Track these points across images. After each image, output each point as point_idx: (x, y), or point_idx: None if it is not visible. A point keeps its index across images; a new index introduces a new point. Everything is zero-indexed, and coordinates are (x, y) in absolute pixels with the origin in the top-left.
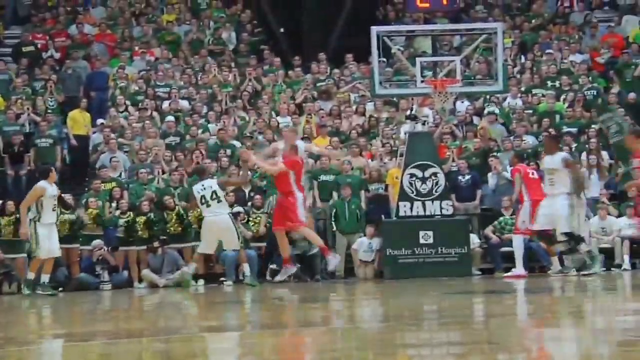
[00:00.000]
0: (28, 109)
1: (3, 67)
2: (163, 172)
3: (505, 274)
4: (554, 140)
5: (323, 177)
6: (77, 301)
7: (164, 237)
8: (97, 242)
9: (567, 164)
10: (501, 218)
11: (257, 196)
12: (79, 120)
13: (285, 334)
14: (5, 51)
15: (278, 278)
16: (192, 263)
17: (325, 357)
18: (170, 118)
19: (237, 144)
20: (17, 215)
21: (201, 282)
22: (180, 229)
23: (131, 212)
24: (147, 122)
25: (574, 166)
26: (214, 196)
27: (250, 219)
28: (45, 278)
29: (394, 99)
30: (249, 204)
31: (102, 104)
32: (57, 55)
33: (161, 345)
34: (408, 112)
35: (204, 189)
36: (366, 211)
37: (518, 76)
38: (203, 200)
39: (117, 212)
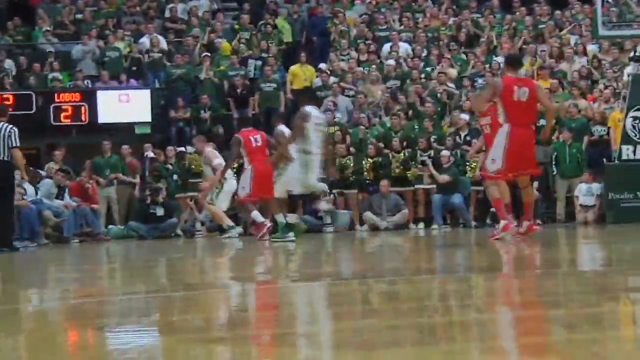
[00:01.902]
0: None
1: (227, 13)
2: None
3: None
4: (305, 96)
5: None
6: (300, 243)
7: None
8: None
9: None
10: None
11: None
12: (299, 75)
13: (506, 277)
14: None
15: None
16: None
17: (548, 300)
18: (391, 62)
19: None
20: None
21: (421, 225)
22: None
23: (351, 156)
24: (369, 66)
25: (300, 121)
26: None
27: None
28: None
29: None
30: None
31: (323, 48)
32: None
33: (385, 286)
34: (632, 54)
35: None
36: (587, 155)
37: None
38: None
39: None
